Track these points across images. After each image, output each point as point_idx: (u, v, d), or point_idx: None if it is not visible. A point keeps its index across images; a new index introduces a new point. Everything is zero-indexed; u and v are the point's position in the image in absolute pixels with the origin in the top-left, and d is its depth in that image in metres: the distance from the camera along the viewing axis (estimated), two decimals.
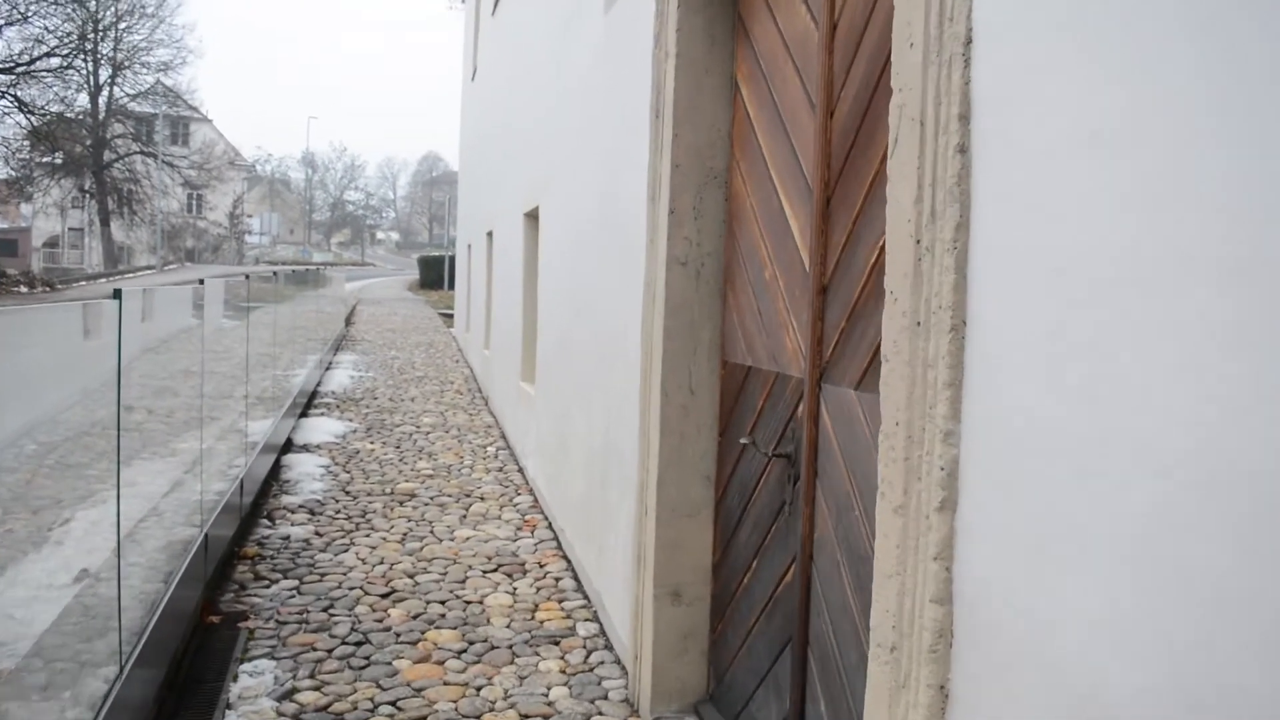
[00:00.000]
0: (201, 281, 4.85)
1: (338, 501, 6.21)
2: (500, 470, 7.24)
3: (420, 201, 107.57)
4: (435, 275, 37.75)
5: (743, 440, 2.92)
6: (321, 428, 8.57)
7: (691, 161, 3.22)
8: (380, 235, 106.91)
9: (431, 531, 5.63)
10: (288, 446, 7.77)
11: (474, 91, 14.36)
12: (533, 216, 7.38)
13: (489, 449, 7.97)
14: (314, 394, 10.54)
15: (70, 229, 56.64)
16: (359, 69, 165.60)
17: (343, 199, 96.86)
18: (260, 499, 6.20)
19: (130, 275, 40.61)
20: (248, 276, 7.48)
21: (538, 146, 6.85)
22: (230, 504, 5.07)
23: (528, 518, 5.95)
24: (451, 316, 22.69)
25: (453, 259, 36.67)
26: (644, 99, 3.59)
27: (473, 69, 14.54)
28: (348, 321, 20.34)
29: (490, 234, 10.63)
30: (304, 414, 9.25)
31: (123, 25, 45.57)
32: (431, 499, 6.35)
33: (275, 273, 11.52)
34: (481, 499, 6.41)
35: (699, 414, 3.28)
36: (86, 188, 46.39)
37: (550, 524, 5.77)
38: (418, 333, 18.92)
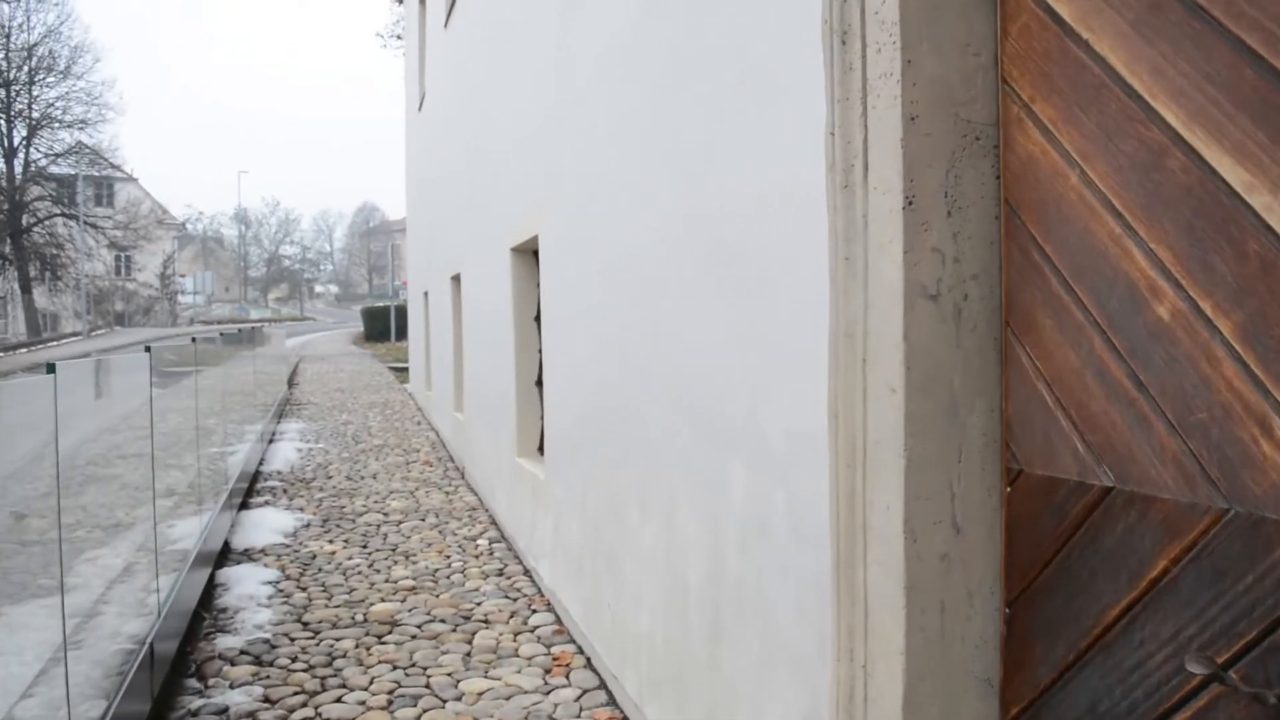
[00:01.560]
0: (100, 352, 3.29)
1: (293, 641, 4.62)
2: (501, 574, 5.68)
3: (358, 253, 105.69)
4: (380, 327, 35.96)
5: (1195, 667, 1.40)
6: (267, 523, 6.94)
7: (937, 110, 1.77)
8: (319, 289, 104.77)
9: (428, 685, 4.07)
10: (224, 554, 6.15)
11: (422, 122, 12.88)
12: (526, 251, 5.89)
13: (480, 542, 6.40)
14: (256, 475, 8.89)
15: None
16: (288, 121, 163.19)
17: (278, 254, 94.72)
18: (188, 642, 4.60)
19: (53, 344, 38.24)
20: (195, 340, 5.90)
21: (530, 165, 5.38)
22: (137, 679, 3.48)
23: (556, 652, 4.41)
24: (403, 370, 21.06)
25: (399, 309, 35.01)
26: (788, 21, 2.15)
27: (419, 97, 13.06)
28: (290, 382, 18.59)
29: (457, 277, 9.11)
30: (244, 504, 7.61)
31: (36, 82, 43.49)
32: (420, 627, 4.78)
33: (192, 338, 9.86)
34: (486, 622, 4.85)
35: (970, 566, 1.80)
36: (4, 254, 44.02)
37: (591, 662, 4.23)
38: (369, 391, 17.25)
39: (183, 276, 67.66)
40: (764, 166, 2.38)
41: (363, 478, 8.79)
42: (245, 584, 5.51)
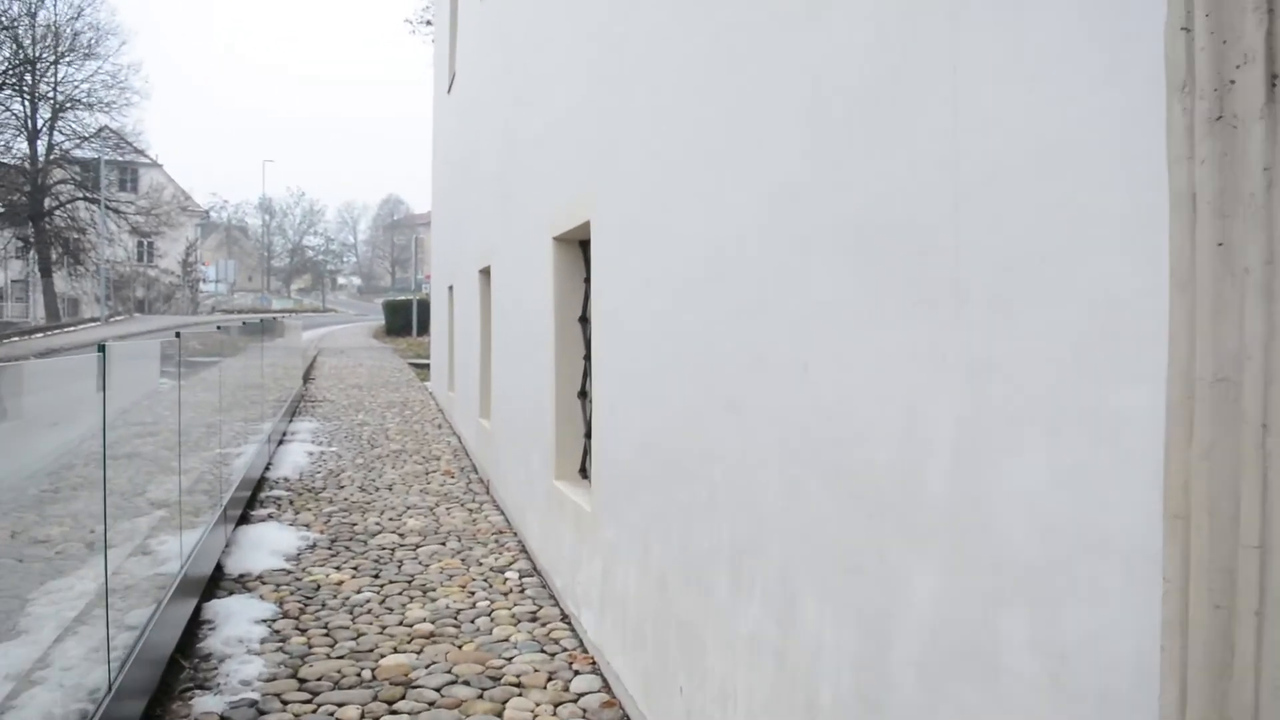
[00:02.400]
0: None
1: (285, 705, 3.79)
2: (534, 618, 4.85)
3: (382, 245, 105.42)
4: (402, 321, 35.27)
5: None
6: (267, 542, 6.14)
7: None
8: (341, 280, 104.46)
9: None
10: (216, 580, 5.34)
11: (450, 105, 12.06)
12: (572, 241, 5.07)
13: (508, 575, 5.57)
14: (260, 483, 8.10)
15: (13, 280, 53.66)
16: (314, 115, 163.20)
17: (302, 244, 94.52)
18: (159, 702, 3.79)
19: (70, 329, 37.73)
20: (177, 334, 5.13)
21: (582, 137, 4.55)
22: None
23: None
24: (424, 367, 20.32)
25: (421, 303, 34.29)
26: None
27: (449, 79, 12.24)
28: (307, 377, 17.84)
29: (486, 270, 8.29)
30: (245, 517, 6.81)
31: (62, 65, 43.05)
32: (439, 690, 3.95)
33: (217, 326, 9.08)
34: (519, 686, 4.01)
35: None
36: (26, 237, 43.61)
37: None
38: (388, 389, 16.47)
39: (205, 264, 67.35)
40: (1004, 102, 1.53)
41: (377, 489, 7.97)
42: (236, 622, 4.70)
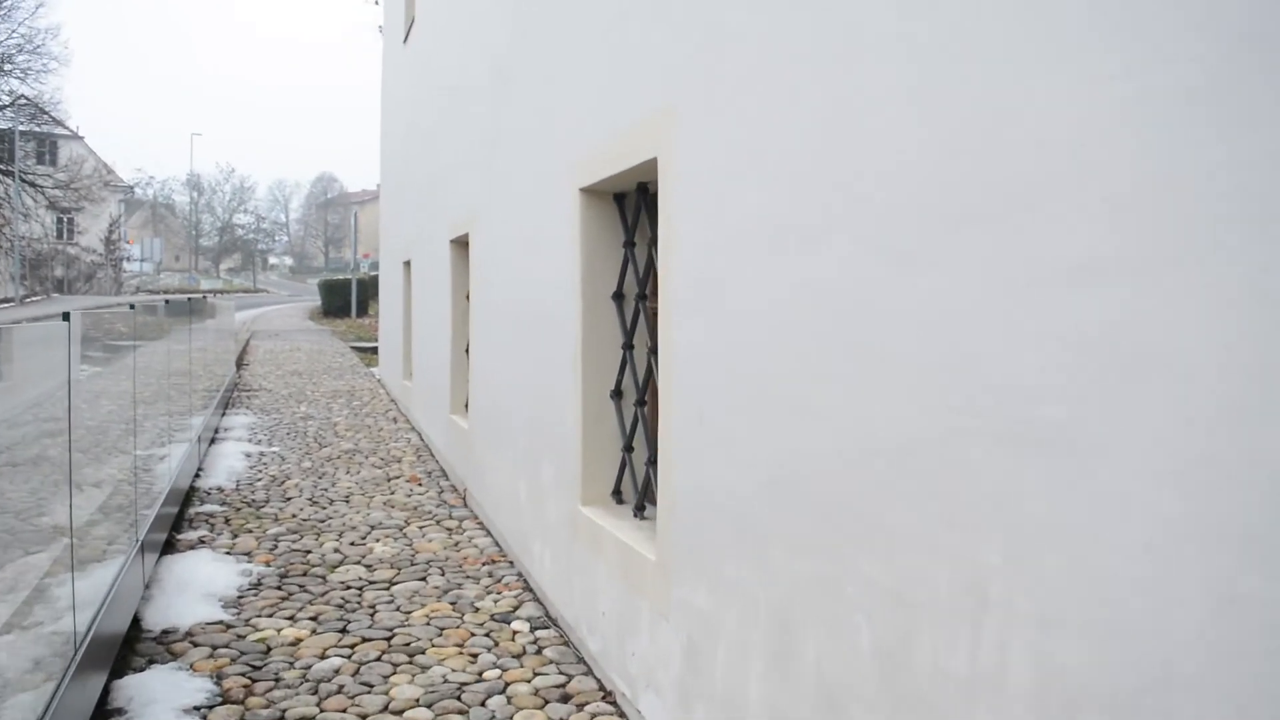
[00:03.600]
0: None
1: None
2: (566, 697, 3.61)
3: (315, 224, 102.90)
4: (340, 302, 33.54)
5: None
6: (198, 580, 4.82)
7: None
8: (273, 260, 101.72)
9: None
10: (131, 639, 4.03)
11: (408, 58, 10.67)
12: (605, 194, 3.84)
13: (516, 626, 4.33)
14: (189, 495, 6.74)
15: None
16: (244, 84, 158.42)
17: (231, 223, 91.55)
18: None
19: None
20: (65, 315, 3.84)
21: (655, 34, 3.31)
22: None
23: None
24: (368, 351, 18.88)
25: (360, 282, 32.62)
26: None
27: (404, 26, 10.85)
28: (240, 363, 16.30)
29: (463, 240, 6.99)
30: (170, 542, 5.48)
31: None
32: None
33: (130, 305, 7.66)
34: None
35: None
36: None
37: None
38: (331, 375, 15.02)
39: (130, 243, 64.59)
40: None
41: (332, 501, 6.64)
42: (158, 712, 3.40)
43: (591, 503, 4.00)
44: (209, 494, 6.82)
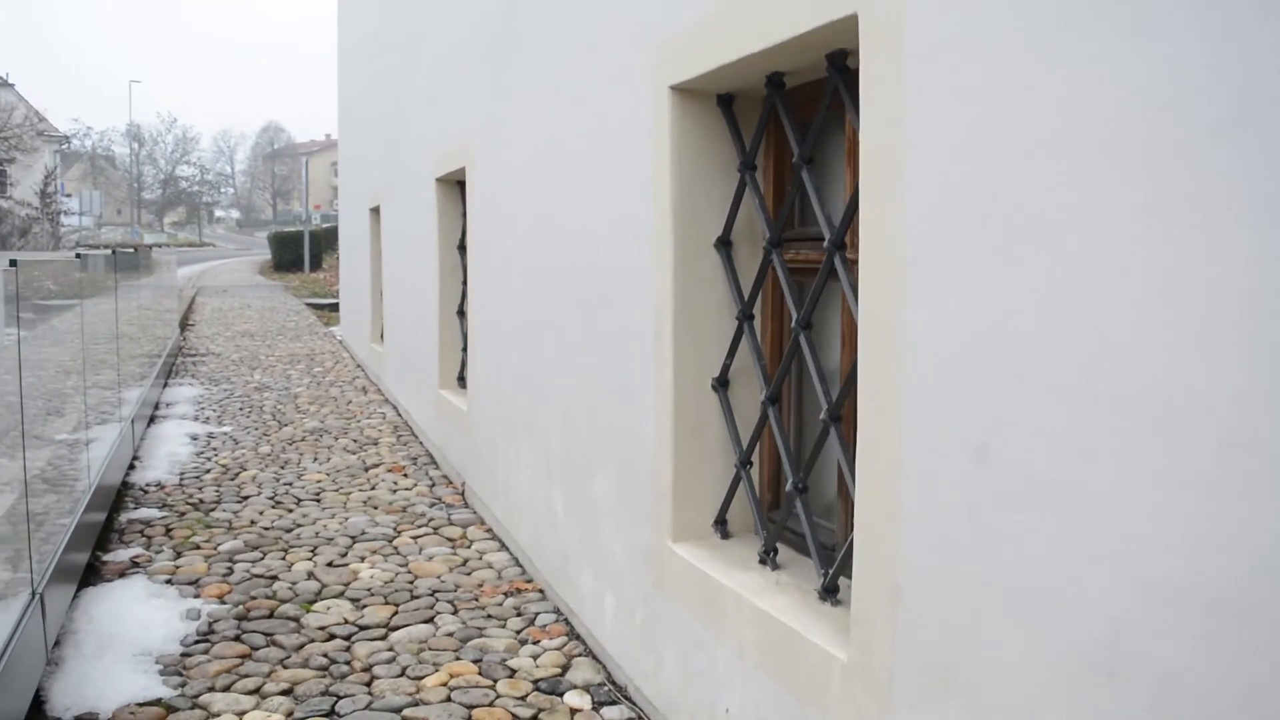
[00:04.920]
0: None
1: None
2: None
3: (262, 176, 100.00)
4: (292, 255, 31.81)
5: None
6: (128, 628, 3.59)
7: None
8: (219, 213, 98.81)
9: None
10: None
11: None
12: (707, 95, 2.61)
13: (569, 699, 3.13)
14: (121, 493, 5.46)
15: None
16: (185, 29, 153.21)
17: (175, 175, 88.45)
18: None
19: None
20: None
21: None
22: None
23: None
24: (325, 308, 17.50)
25: (314, 235, 31.02)
26: None
27: None
28: (184, 323, 14.83)
29: (455, 180, 5.72)
30: (93, 567, 4.24)
31: None
32: None
33: (78, 254, 6.30)
34: None
35: None
36: None
37: None
38: (287, 336, 13.63)
39: (68, 196, 61.93)
40: None
41: (299, 500, 5.39)
42: None
43: (687, 538, 2.80)
44: (146, 492, 5.54)
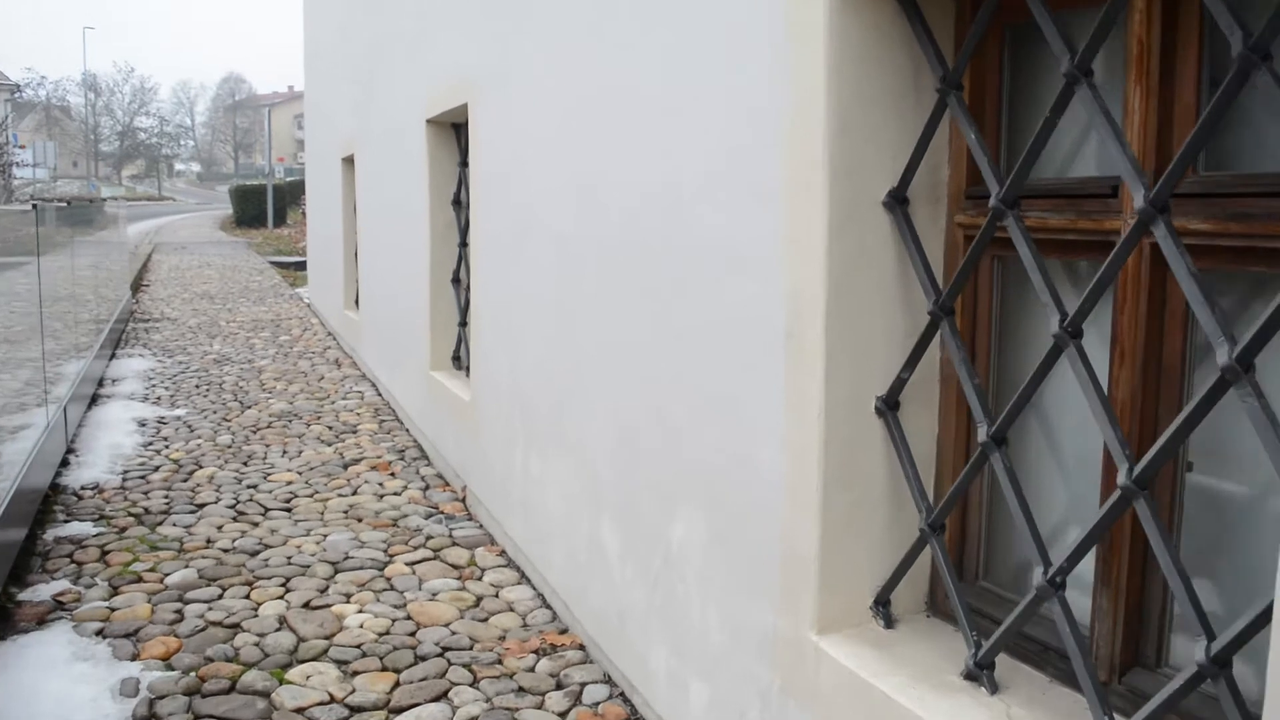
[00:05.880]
0: None
1: None
2: None
3: (223, 129, 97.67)
4: (255, 210, 30.49)
5: None
6: (38, 712, 2.66)
7: None
8: (179, 167, 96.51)
9: None
10: None
11: None
12: None
13: None
14: (50, 499, 4.52)
15: None
16: None
17: (133, 126, 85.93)
18: None
19: None
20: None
21: None
22: None
23: None
24: (290, 267, 16.45)
25: (278, 189, 29.75)
26: None
27: None
28: (137, 285, 13.72)
29: (448, 120, 4.78)
30: (5, 610, 3.30)
31: None
32: None
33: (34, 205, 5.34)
34: None
35: None
36: None
37: None
38: (250, 299, 12.58)
39: (21, 148, 59.86)
40: None
41: (266, 509, 4.46)
42: None
43: (838, 625, 1.93)
44: (80, 497, 4.59)
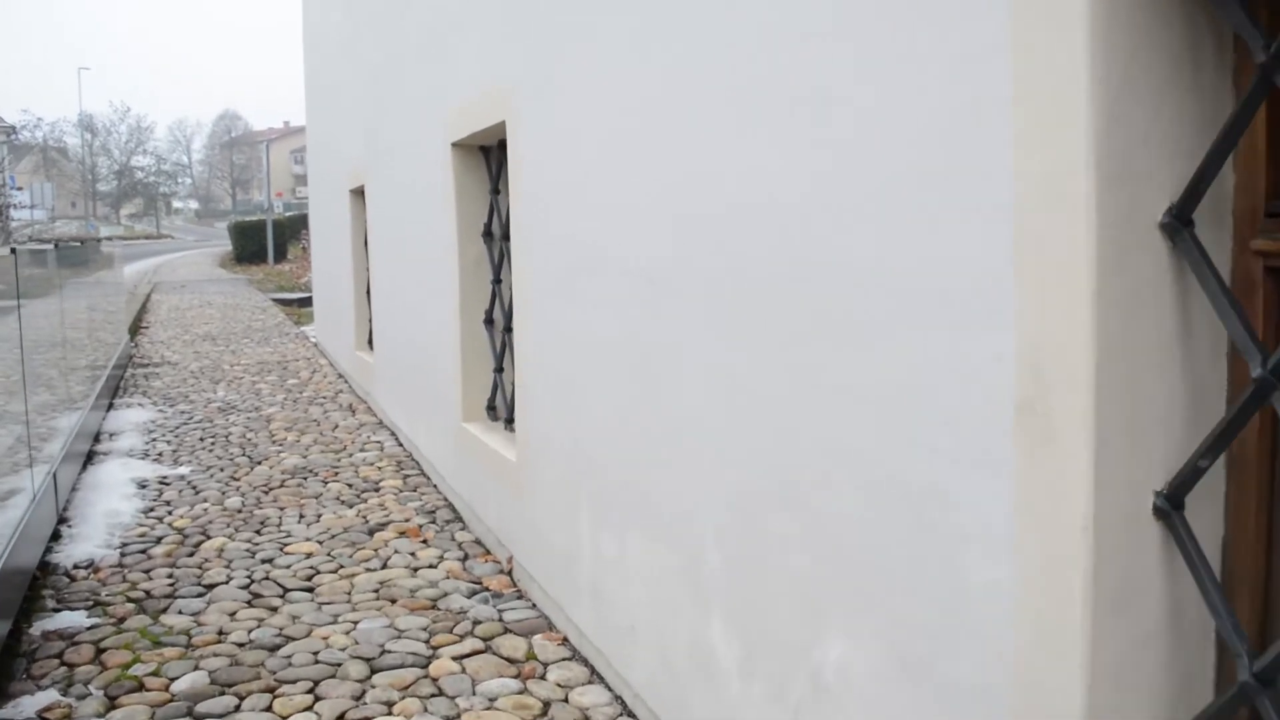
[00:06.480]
0: None
1: None
2: None
3: (220, 166, 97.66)
4: (255, 246, 30.03)
5: None
6: None
7: None
8: (177, 204, 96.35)
9: None
10: None
11: None
12: None
13: None
14: (38, 580, 3.99)
15: None
16: (131, 11, 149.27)
17: (130, 165, 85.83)
18: None
19: None
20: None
21: None
22: None
23: None
24: (293, 303, 15.97)
25: (278, 225, 29.34)
26: None
27: None
28: (136, 327, 13.19)
29: (476, 142, 4.27)
30: None
31: None
32: None
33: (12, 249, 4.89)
34: None
35: None
36: None
37: None
38: (254, 339, 12.05)
39: (18, 189, 59.63)
40: None
41: (285, 590, 3.91)
42: None
43: None
44: (73, 578, 4.04)
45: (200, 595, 3.84)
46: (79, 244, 11.55)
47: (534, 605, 3.68)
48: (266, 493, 5.24)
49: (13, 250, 4.80)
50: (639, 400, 2.71)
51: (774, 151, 2.01)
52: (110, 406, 7.68)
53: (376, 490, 5.27)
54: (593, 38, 2.91)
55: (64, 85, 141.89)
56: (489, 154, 4.53)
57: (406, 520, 4.72)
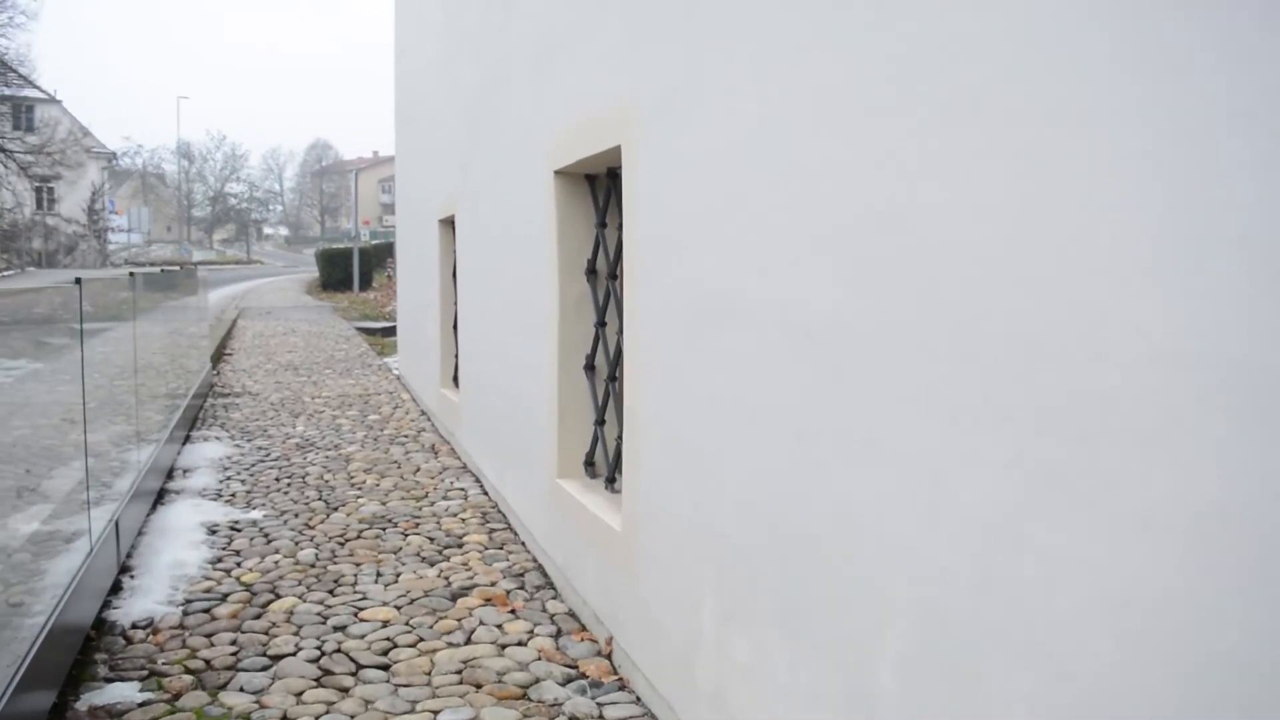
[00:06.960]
0: None
1: None
2: None
3: (310, 193, 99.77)
4: (341, 274, 30.20)
5: None
6: None
7: None
8: (268, 230, 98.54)
9: None
10: None
11: None
12: None
13: None
14: (90, 641, 3.60)
15: None
16: (232, 45, 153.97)
17: (224, 192, 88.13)
18: None
19: None
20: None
21: None
22: None
23: None
24: (378, 333, 15.79)
25: (364, 252, 29.51)
26: None
27: None
28: (219, 355, 13.06)
29: (583, 170, 3.83)
30: None
31: None
32: None
33: (131, 273, 4.64)
34: None
35: None
36: None
37: None
38: (336, 370, 11.80)
39: (116, 214, 61.37)
40: None
41: (357, 669, 3.47)
42: None
43: None
44: (129, 640, 3.66)
45: (265, 669, 3.42)
46: (178, 268, 11.43)
47: (638, 699, 3.19)
48: (342, 544, 4.84)
49: (170, 270, 4.50)
50: (791, 476, 2.21)
51: (1028, 184, 1.51)
52: (187, 439, 7.40)
53: (460, 546, 4.83)
54: (741, 44, 2.44)
55: (164, 113, 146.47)
56: (595, 182, 4.10)
57: (493, 584, 4.26)
